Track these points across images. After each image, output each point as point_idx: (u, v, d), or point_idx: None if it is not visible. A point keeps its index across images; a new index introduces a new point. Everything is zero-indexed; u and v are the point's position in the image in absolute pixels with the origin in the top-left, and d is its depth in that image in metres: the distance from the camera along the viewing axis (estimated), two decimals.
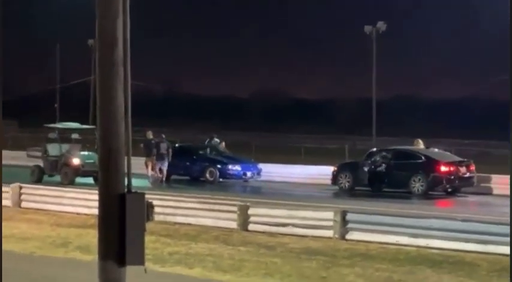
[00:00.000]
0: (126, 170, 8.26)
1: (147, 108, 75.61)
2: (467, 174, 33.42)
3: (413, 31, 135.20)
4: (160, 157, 36.83)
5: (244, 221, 23.10)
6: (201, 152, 39.83)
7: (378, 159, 34.42)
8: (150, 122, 51.58)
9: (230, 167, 38.33)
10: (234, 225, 23.11)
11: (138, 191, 8.54)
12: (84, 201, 25.45)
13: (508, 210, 28.12)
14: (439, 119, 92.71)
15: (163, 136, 38.24)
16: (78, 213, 25.52)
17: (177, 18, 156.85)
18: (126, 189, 8.31)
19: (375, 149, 35.30)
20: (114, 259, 8.12)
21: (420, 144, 35.26)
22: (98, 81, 8.31)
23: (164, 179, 37.06)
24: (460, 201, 32.15)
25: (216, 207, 24.71)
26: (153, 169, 36.85)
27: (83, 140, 38.01)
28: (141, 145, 36.69)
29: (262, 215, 23.39)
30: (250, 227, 22.96)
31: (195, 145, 42.93)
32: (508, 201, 31.06)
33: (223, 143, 41.38)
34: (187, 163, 38.74)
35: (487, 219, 22.31)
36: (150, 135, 37.99)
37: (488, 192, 33.79)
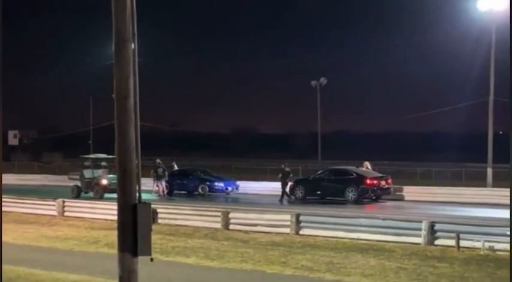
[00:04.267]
0: (137, 187, 8.24)
1: (155, 142, 75.39)
2: (386, 186, 33.49)
3: (347, 83, 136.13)
4: (158, 177, 36.84)
5: (226, 222, 23.03)
6: (195, 173, 39.68)
7: (322, 176, 34.56)
8: (158, 152, 51.25)
9: (216, 183, 38.22)
10: (218, 225, 23.04)
11: (146, 201, 8.51)
12: (110, 211, 25.21)
13: (415, 211, 28.31)
14: (366, 146, 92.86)
15: (161, 162, 38.07)
16: (106, 219, 25.35)
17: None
18: (137, 201, 8.28)
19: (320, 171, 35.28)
20: (129, 251, 8.08)
21: (367, 165, 35.24)
22: (116, 123, 8.33)
23: (166, 193, 36.92)
24: (381, 205, 32.20)
25: (206, 213, 24.64)
26: (154, 186, 36.88)
27: (109, 166, 37.79)
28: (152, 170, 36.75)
29: (239, 218, 23.34)
30: (231, 227, 22.90)
31: (190, 168, 42.73)
32: (415, 205, 31.30)
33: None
34: (185, 182, 38.63)
35: (400, 218, 22.40)
36: (157, 161, 37.88)
37: (400, 198, 33.84)
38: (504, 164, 50.68)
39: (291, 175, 35.72)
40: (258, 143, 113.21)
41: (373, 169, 35.68)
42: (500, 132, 76.98)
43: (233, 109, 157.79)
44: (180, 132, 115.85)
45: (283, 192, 34.80)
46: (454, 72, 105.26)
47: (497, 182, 37.68)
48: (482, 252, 17.40)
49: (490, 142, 38.34)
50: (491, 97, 38.23)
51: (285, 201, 34.30)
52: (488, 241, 17.67)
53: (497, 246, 17.58)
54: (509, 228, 18.34)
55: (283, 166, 35.81)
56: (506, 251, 17.31)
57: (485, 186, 36.76)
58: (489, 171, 37.90)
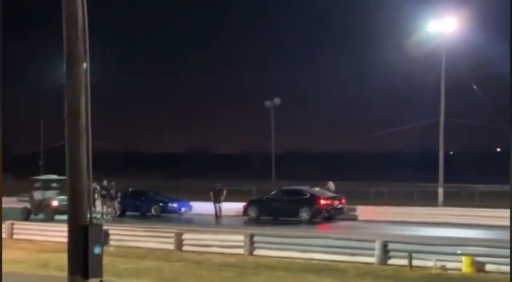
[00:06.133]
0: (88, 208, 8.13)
1: (107, 162, 74.58)
2: (339, 206, 33.67)
3: (300, 104, 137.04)
4: (111, 199, 36.44)
5: (179, 243, 22.88)
6: (147, 194, 39.36)
7: (276, 196, 34.68)
8: (110, 173, 50.62)
9: (169, 204, 37.98)
10: (172, 247, 22.88)
11: (98, 223, 8.39)
12: (61, 233, 24.75)
13: (368, 231, 28.50)
14: (320, 166, 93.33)
15: (113, 183, 37.69)
16: (56, 242, 24.91)
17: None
18: (88, 222, 8.17)
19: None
20: (80, 274, 7.95)
21: (331, 185, 35.52)
22: (67, 144, 8.22)
23: (118, 214, 36.52)
24: (334, 225, 32.32)
25: (159, 234, 24.45)
26: (106, 208, 36.36)
27: (60, 187, 37.18)
28: (97, 189, 35.94)
29: (192, 239, 23.22)
30: (184, 248, 22.77)
31: (143, 189, 42.33)
32: (368, 225, 31.52)
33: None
34: (138, 203, 38.30)
35: (353, 237, 22.48)
36: (104, 182, 37.36)
37: (354, 218, 34.03)
38: (454, 183, 51.66)
39: (225, 192, 36.42)
40: (212, 163, 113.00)
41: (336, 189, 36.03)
42: (451, 152, 78.35)
43: (187, 129, 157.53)
44: (133, 153, 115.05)
45: (216, 211, 35.65)
46: (406, 92, 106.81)
47: (448, 201, 38.23)
48: (434, 271, 17.61)
49: (441, 162, 38.92)
50: (442, 118, 38.84)
51: (221, 220, 34.72)
52: (440, 260, 17.90)
53: (448, 265, 17.83)
54: (459, 247, 18.66)
55: (215, 185, 36.66)
56: (457, 269, 17.58)
57: (436, 205, 37.24)
58: (440, 190, 38.43)
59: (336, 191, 36.47)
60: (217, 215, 35.72)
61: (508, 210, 30.87)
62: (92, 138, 8.54)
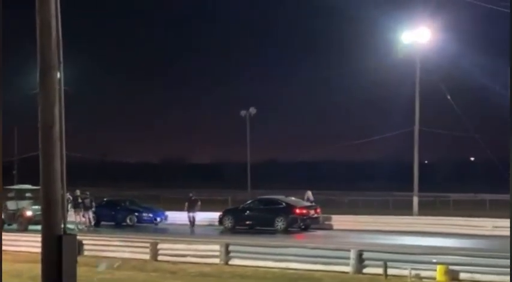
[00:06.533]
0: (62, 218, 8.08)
1: (82, 172, 74.06)
2: (315, 215, 33.69)
3: (278, 113, 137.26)
4: (85, 208, 36.19)
5: (154, 253, 22.79)
6: (123, 204, 39.18)
7: (252, 205, 34.65)
8: (85, 183, 50.38)
9: (145, 214, 37.85)
10: (147, 257, 22.78)
11: (72, 233, 8.34)
12: (35, 243, 24.56)
13: (343, 240, 28.58)
14: (297, 175, 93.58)
15: (88, 193, 37.46)
16: (30, 252, 24.68)
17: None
18: (62, 232, 8.12)
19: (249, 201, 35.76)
20: None
21: (309, 194, 35.84)
22: (40, 153, 8.17)
23: (93, 224, 36.27)
24: (310, 234, 32.37)
25: (134, 244, 24.33)
26: (80, 218, 36.03)
27: (34, 197, 36.84)
28: (70, 199, 35.52)
29: (167, 249, 23.15)
30: (159, 258, 22.68)
31: (118, 199, 42.10)
32: (343, 234, 31.61)
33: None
34: (113, 212, 38.09)
35: (328, 247, 22.54)
36: (77, 192, 37.05)
37: (329, 227, 34.08)
38: (429, 192, 52.04)
39: (199, 202, 36.86)
40: (188, 173, 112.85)
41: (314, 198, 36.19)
42: (426, 162, 78.95)
43: (162, 139, 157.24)
44: (108, 163, 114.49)
45: (190, 220, 35.97)
46: (382, 102, 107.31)
47: (423, 210, 38.51)
48: (409, 280, 17.70)
49: (415, 171, 39.16)
50: (417, 127, 39.11)
51: (196, 229, 34.87)
52: (415, 269, 18.00)
53: (423, 273, 17.95)
54: (434, 256, 18.80)
55: (190, 195, 36.89)
56: (431, 278, 17.69)
57: (411, 214, 37.47)
58: (415, 199, 38.68)
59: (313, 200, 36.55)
60: (192, 225, 35.85)
61: (479, 219, 31.50)
62: (66, 147, 8.50)
